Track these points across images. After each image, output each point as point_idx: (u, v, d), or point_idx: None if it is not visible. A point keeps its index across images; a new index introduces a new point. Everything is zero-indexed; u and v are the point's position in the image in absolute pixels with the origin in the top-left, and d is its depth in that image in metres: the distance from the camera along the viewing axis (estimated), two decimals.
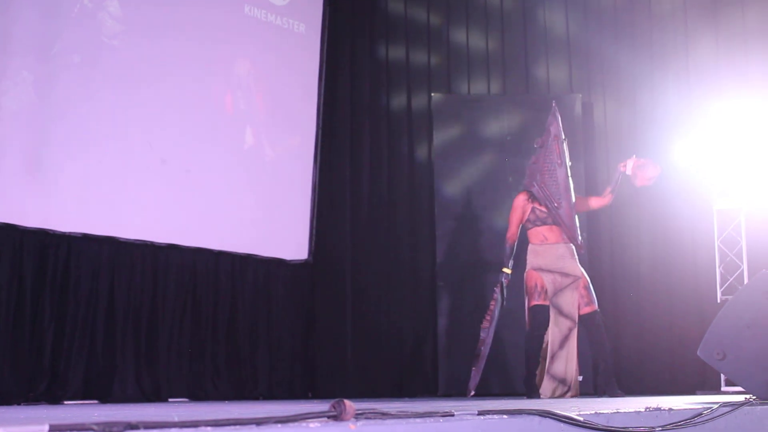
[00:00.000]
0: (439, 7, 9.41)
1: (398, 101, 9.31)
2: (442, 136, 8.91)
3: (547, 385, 6.59)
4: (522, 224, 6.86)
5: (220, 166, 7.96)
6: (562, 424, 2.52)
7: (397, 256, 8.98)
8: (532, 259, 6.76)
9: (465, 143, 8.87)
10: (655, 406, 3.11)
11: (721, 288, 7.93)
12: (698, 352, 4.40)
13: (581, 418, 2.59)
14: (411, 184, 9.13)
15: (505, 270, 6.81)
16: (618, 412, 2.84)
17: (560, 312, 6.69)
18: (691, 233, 8.28)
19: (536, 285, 6.66)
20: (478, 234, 8.64)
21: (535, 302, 6.64)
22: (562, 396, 6.53)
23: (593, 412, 2.76)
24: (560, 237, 6.77)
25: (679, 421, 2.99)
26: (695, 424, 3.03)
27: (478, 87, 9.23)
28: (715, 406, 3.22)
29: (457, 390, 8.24)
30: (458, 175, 8.79)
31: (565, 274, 6.70)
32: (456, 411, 2.44)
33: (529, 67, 9.17)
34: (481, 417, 2.36)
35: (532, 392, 6.59)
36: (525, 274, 6.75)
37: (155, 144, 7.46)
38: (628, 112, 8.76)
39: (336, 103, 9.20)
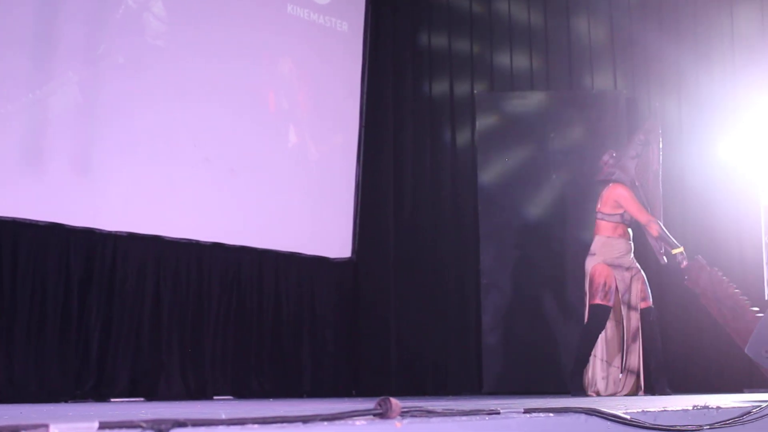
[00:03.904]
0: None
1: (441, 99, 9.28)
2: (485, 133, 8.88)
3: (628, 382, 6.61)
4: (603, 215, 6.79)
5: (264, 164, 7.99)
6: (608, 423, 2.51)
7: (440, 254, 8.96)
8: (603, 251, 6.70)
9: (508, 140, 8.84)
10: (703, 405, 3.08)
11: None
12: (746, 350, 4.36)
13: (628, 417, 2.57)
14: (454, 182, 9.10)
15: (679, 249, 6.71)
16: (665, 411, 2.82)
17: (629, 306, 6.69)
18: (738, 230, 8.19)
19: (605, 283, 6.60)
20: (522, 231, 8.60)
21: (598, 301, 6.59)
22: (634, 389, 6.56)
23: (640, 410, 2.74)
24: (628, 234, 6.76)
25: (728, 420, 2.96)
26: (744, 423, 3.00)
27: (522, 82, 9.19)
28: (764, 404, 3.18)
29: (501, 387, 8.23)
30: (502, 172, 8.76)
31: (628, 268, 6.69)
32: (502, 409, 2.44)
33: (573, 63, 9.10)
34: (527, 415, 2.35)
35: (578, 389, 6.57)
36: (592, 268, 6.68)
37: (199, 143, 7.51)
38: (673, 107, 8.68)
39: (379, 101, 9.18)
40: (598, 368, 6.68)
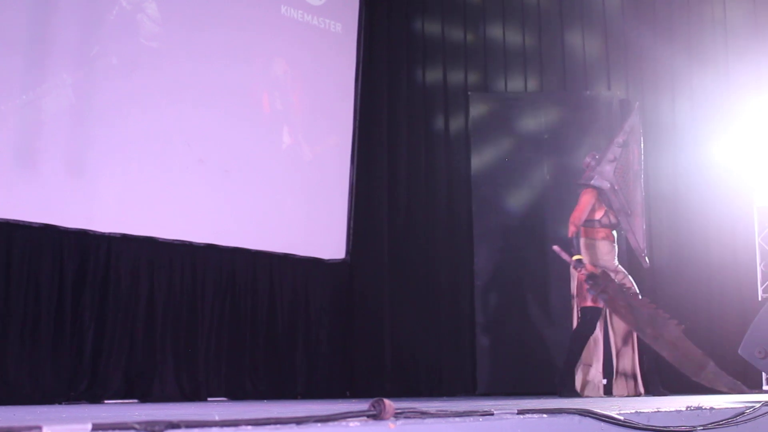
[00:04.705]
0: (475, 3, 9.38)
1: (436, 99, 9.28)
2: (480, 134, 8.88)
3: (619, 384, 6.60)
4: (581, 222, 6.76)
5: (258, 165, 7.99)
6: (602, 424, 2.51)
7: (434, 255, 8.96)
8: (588, 253, 6.67)
9: (503, 142, 8.85)
10: (697, 405, 3.08)
11: (762, 286, 7.85)
12: (739, 351, 4.37)
13: (621, 417, 2.57)
14: (449, 183, 9.10)
15: (577, 257, 6.66)
16: (659, 411, 2.82)
17: None
18: (732, 231, 8.20)
19: None
20: (516, 233, 8.60)
21: (589, 304, 6.57)
22: (634, 392, 6.54)
23: (633, 411, 2.74)
24: (612, 236, 6.74)
25: (721, 420, 2.96)
26: (737, 424, 3.00)
27: (516, 84, 9.18)
28: (757, 405, 3.19)
29: (495, 389, 8.23)
30: (496, 174, 8.76)
31: (615, 271, 6.67)
32: (496, 410, 2.44)
33: (567, 64, 9.11)
34: (521, 416, 2.35)
35: (567, 391, 6.55)
36: (579, 270, 6.66)
37: (193, 144, 7.50)
38: (667, 108, 8.68)
39: (373, 102, 9.18)
40: (589, 371, 6.67)
